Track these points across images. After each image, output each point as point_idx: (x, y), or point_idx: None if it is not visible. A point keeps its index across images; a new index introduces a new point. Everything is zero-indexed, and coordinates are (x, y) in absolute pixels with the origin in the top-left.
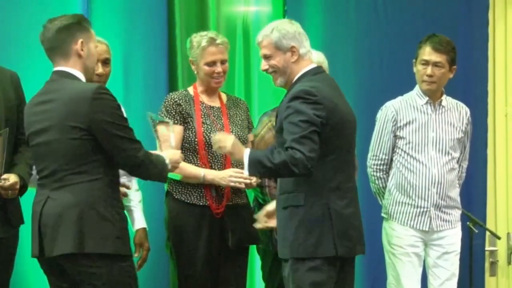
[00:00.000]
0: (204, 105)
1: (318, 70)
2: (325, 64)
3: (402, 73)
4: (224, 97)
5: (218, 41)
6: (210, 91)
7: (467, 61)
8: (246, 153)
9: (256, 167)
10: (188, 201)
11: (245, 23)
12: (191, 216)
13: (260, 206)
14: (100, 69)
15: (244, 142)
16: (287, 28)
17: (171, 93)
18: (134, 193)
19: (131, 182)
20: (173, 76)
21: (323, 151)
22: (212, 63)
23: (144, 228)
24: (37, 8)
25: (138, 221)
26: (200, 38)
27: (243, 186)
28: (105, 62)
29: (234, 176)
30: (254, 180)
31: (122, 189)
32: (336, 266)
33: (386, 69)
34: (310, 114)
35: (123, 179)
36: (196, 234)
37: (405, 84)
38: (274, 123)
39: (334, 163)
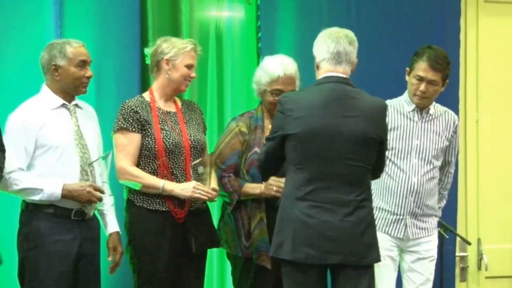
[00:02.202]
0: (161, 111)
1: (323, 81)
2: (289, 70)
3: (375, 78)
4: (178, 101)
5: (198, 48)
6: (170, 95)
7: None
8: None
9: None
10: (150, 207)
11: (218, 28)
12: (153, 222)
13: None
14: (89, 72)
15: (201, 145)
16: (317, 37)
17: (127, 100)
18: (107, 197)
19: (105, 187)
20: (146, 81)
21: (291, 160)
22: (190, 66)
23: (117, 232)
24: (8, 13)
25: (111, 224)
26: (180, 40)
27: (206, 198)
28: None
29: (198, 189)
30: (215, 194)
31: (97, 194)
32: (310, 271)
33: (359, 74)
34: (275, 121)
35: (100, 183)
36: (158, 239)
37: (377, 88)
38: (241, 128)
39: (307, 172)
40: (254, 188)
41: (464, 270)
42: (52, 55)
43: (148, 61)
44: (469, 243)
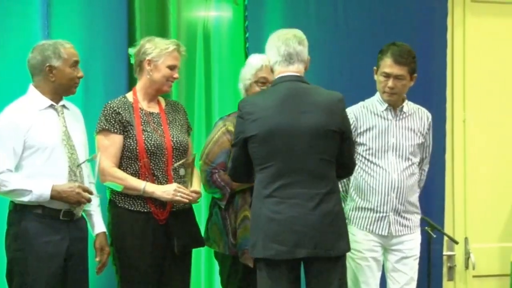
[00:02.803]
0: (143, 112)
1: (277, 81)
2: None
3: (362, 80)
4: (162, 102)
5: (182, 49)
6: (153, 96)
7: (426, 67)
8: None
9: None
10: (132, 208)
11: (205, 28)
12: (135, 223)
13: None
14: (81, 72)
15: (183, 147)
16: (268, 40)
17: (110, 101)
18: (94, 198)
19: (92, 187)
20: (133, 82)
21: (256, 161)
22: (173, 67)
23: (104, 232)
24: None
25: (98, 225)
26: (163, 41)
27: (186, 201)
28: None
29: (179, 191)
30: (197, 196)
31: (86, 195)
32: (282, 267)
33: (346, 75)
34: (236, 127)
35: (87, 184)
36: (140, 240)
37: (365, 91)
38: (229, 127)
39: (271, 171)
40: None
41: (451, 269)
42: (46, 56)
43: (132, 60)
44: (457, 242)
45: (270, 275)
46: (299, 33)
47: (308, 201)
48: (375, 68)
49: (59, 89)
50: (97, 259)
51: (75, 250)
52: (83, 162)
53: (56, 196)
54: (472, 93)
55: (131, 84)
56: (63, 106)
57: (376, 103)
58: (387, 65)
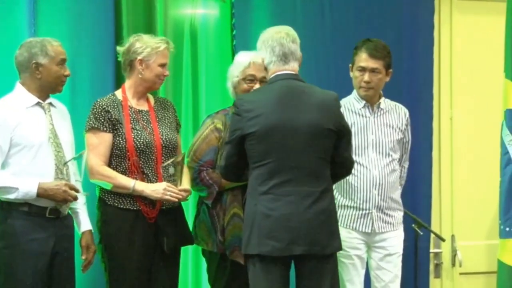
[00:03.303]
0: (132, 110)
1: (273, 79)
2: (259, 60)
3: (348, 79)
4: (151, 99)
5: (171, 46)
6: (143, 93)
7: (412, 65)
8: None
9: None
10: (121, 206)
11: (192, 25)
12: (125, 221)
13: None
14: (68, 70)
15: (173, 145)
16: (259, 39)
17: (99, 99)
18: (80, 196)
19: (78, 186)
20: (120, 79)
21: (252, 158)
22: (164, 65)
23: (90, 230)
24: None
25: (84, 223)
26: (153, 39)
27: (176, 200)
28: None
29: (169, 190)
30: (186, 195)
31: (73, 193)
32: (274, 264)
33: (333, 73)
34: (232, 125)
35: (73, 182)
36: (129, 238)
37: (352, 89)
38: (217, 125)
39: (268, 168)
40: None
41: (438, 266)
42: (33, 53)
43: (120, 58)
44: (443, 240)
45: (263, 272)
46: (291, 31)
47: (304, 198)
48: (350, 65)
49: (46, 86)
50: (83, 257)
51: (62, 248)
52: (70, 160)
53: (42, 193)
54: (459, 90)
55: (118, 82)
56: (50, 104)
57: (353, 101)
58: (363, 59)
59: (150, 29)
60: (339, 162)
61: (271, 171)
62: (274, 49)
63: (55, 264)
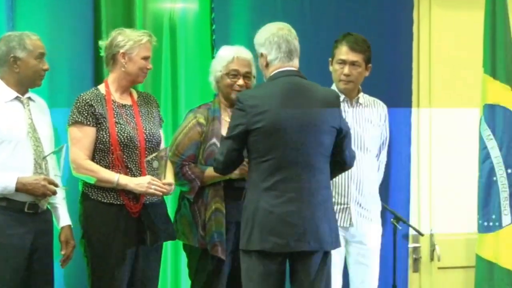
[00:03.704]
0: (116, 104)
1: (277, 75)
2: (243, 54)
3: (329, 72)
4: (135, 94)
5: (153, 39)
6: (126, 87)
7: (392, 60)
8: None
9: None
10: (105, 201)
11: (171, 20)
12: (108, 215)
13: (188, 200)
14: (46, 64)
15: (156, 139)
16: (260, 35)
17: (82, 94)
18: (59, 190)
19: (57, 180)
20: (99, 74)
21: (255, 154)
22: (147, 58)
23: (69, 225)
24: None
25: (64, 218)
26: (135, 32)
27: (160, 194)
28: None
29: (153, 184)
30: (170, 189)
31: (52, 187)
32: (273, 260)
33: (313, 67)
34: (233, 119)
35: (52, 176)
36: (112, 232)
37: (331, 80)
38: (199, 120)
39: (270, 164)
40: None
41: (417, 261)
42: (11, 46)
43: (102, 53)
44: (422, 234)
45: (260, 267)
46: (291, 27)
47: (307, 195)
48: (330, 59)
49: (24, 80)
50: (62, 252)
51: (40, 243)
52: (49, 155)
53: (21, 188)
54: (437, 86)
55: (96, 76)
56: (29, 98)
57: None
58: (343, 52)
59: (129, 23)
60: (341, 159)
61: (274, 167)
62: (280, 45)
63: (33, 259)
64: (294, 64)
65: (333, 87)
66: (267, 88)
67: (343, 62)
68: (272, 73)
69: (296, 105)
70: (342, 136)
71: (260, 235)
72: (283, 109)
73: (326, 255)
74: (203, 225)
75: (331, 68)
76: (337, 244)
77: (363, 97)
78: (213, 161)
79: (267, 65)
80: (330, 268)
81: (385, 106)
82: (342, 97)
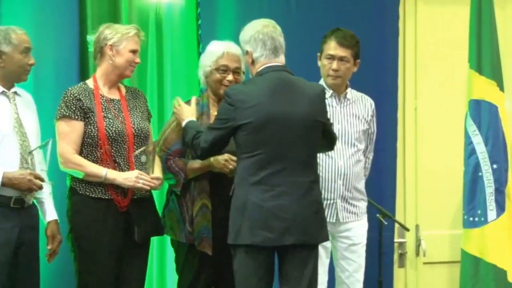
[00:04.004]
0: (104, 98)
1: (265, 71)
2: (233, 50)
3: (314, 65)
4: (123, 89)
5: (141, 34)
6: (114, 82)
7: (377, 55)
8: (186, 120)
9: (185, 135)
10: (93, 195)
11: (157, 15)
12: (96, 210)
13: (176, 195)
14: (32, 59)
15: (144, 133)
16: (245, 33)
17: (70, 88)
18: (45, 185)
19: (43, 175)
20: (84, 68)
21: (244, 149)
22: (135, 52)
23: (56, 220)
24: None
25: (50, 213)
26: (123, 26)
27: (148, 188)
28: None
29: (141, 178)
30: (158, 183)
31: (38, 182)
32: (262, 254)
33: (298, 61)
34: (221, 113)
35: (39, 171)
36: (100, 227)
37: (317, 76)
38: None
39: (259, 159)
40: (200, 162)
41: (402, 256)
42: None
43: (91, 48)
44: (408, 229)
45: (251, 261)
46: (275, 24)
47: (295, 189)
48: (318, 54)
49: (9, 75)
50: (49, 247)
51: (26, 238)
52: (35, 149)
53: (7, 183)
54: (423, 81)
55: (82, 71)
56: (15, 93)
57: None
58: (331, 47)
59: (115, 18)
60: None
61: (262, 161)
62: (265, 43)
63: (19, 255)
64: (280, 60)
65: (321, 82)
66: (256, 83)
67: (332, 58)
68: (259, 69)
69: (284, 100)
70: (326, 127)
71: (250, 229)
72: (271, 104)
73: (313, 249)
74: (190, 221)
75: (319, 63)
76: (325, 238)
77: (351, 93)
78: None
79: (253, 62)
80: (317, 262)
81: (372, 102)
82: (330, 92)
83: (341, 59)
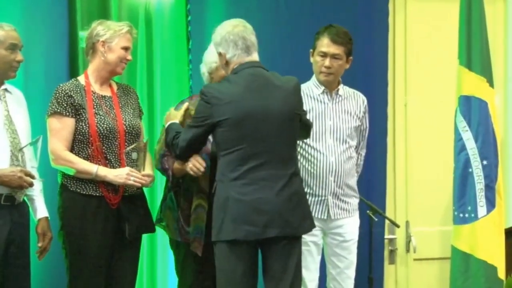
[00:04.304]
0: (95, 95)
1: (240, 68)
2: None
3: (302, 63)
4: (114, 85)
5: (134, 31)
6: (105, 78)
7: (367, 51)
8: (169, 122)
9: (166, 136)
10: (84, 192)
11: (147, 11)
12: (87, 207)
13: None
14: (20, 56)
15: (136, 130)
16: (216, 35)
17: (61, 84)
18: (36, 182)
19: (34, 172)
20: (74, 65)
21: (223, 145)
22: (126, 49)
23: (47, 217)
24: None
25: (41, 210)
26: (116, 23)
27: (139, 185)
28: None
29: (132, 175)
30: (149, 180)
31: (28, 179)
32: (245, 249)
33: (287, 58)
34: (198, 111)
35: (29, 168)
36: (91, 224)
37: (306, 73)
38: (191, 112)
39: (238, 155)
40: (182, 163)
41: (392, 252)
42: None
43: (82, 44)
44: (398, 226)
45: (234, 256)
46: (245, 23)
47: (275, 182)
48: (311, 50)
49: None
50: (39, 244)
51: (17, 236)
52: (25, 146)
53: None
54: (413, 77)
55: (71, 67)
56: (5, 90)
57: (312, 86)
58: (324, 44)
59: (104, 14)
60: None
61: (242, 157)
62: (237, 43)
63: (9, 252)
64: (253, 58)
65: (313, 78)
66: (230, 81)
67: (324, 55)
68: (234, 67)
69: (260, 95)
70: (303, 118)
71: (232, 224)
72: (248, 99)
73: (298, 240)
74: (187, 220)
75: (311, 59)
76: (309, 228)
77: (343, 89)
78: (206, 155)
79: (227, 63)
80: (300, 254)
81: (365, 98)
82: (321, 88)
83: (333, 56)
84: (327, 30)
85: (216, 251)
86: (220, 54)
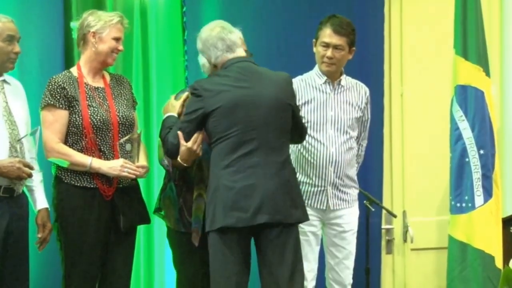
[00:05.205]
0: (88, 87)
1: (228, 63)
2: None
3: (298, 55)
4: (107, 76)
5: (125, 21)
6: (97, 69)
7: (363, 41)
8: (166, 115)
9: (161, 130)
10: (78, 184)
11: (142, 2)
12: (81, 199)
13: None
14: (17, 48)
15: (129, 121)
16: (199, 43)
17: (54, 76)
18: (36, 173)
19: (33, 163)
20: (69, 56)
21: (214, 135)
22: (117, 39)
23: (46, 208)
24: None
25: (40, 201)
26: (107, 13)
27: (133, 176)
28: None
29: (126, 167)
30: (144, 171)
31: (27, 170)
32: (237, 237)
33: (283, 51)
34: (189, 106)
35: (28, 159)
36: (85, 216)
37: (302, 65)
38: None
39: (229, 143)
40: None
41: (390, 242)
42: None
43: (74, 35)
44: (395, 216)
45: (226, 246)
46: (224, 23)
47: (266, 169)
48: (314, 40)
49: None
50: (39, 235)
51: (15, 227)
52: (24, 137)
53: None
54: (409, 67)
55: (67, 59)
56: (4, 81)
57: (314, 76)
58: (327, 34)
59: (99, 5)
60: (296, 132)
61: (233, 144)
62: (216, 45)
63: (8, 243)
64: (238, 54)
65: (316, 68)
66: (220, 75)
67: (327, 45)
68: (224, 64)
69: (250, 84)
70: (295, 112)
71: (224, 211)
72: (238, 89)
73: (292, 228)
74: (189, 210)
75: (314, 49)
76: (301, 218)
77: (345, 79)
78: (206, 144)
79: (215, 66)
80: (298, 245)
81: (367, 90)
82: (323, 78)
83: (336, 47)
84: (330, 21)
85: (209, 241)
86: (206, 60)
